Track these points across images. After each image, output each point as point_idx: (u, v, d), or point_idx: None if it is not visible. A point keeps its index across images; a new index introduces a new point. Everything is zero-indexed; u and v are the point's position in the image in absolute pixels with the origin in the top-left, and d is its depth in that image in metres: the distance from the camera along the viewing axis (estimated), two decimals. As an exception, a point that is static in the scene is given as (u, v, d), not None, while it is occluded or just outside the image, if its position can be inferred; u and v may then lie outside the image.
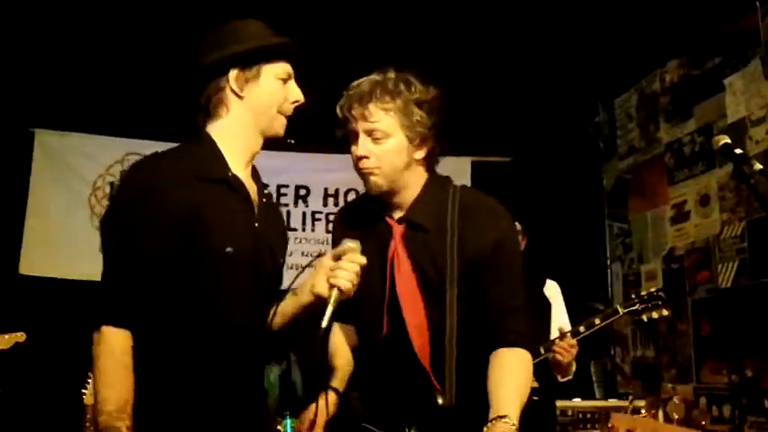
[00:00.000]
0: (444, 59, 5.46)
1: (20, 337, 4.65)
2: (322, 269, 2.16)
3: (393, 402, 2.34)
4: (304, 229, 6.49)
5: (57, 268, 5.79)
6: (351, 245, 2.16)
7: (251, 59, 2.27)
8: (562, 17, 5.08)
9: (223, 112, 2.29)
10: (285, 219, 6.00)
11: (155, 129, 5.70)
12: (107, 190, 6.12)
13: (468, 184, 6.24)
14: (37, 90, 5.65)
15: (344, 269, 2.11)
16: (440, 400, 2.22)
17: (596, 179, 6.32)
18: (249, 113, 2.29)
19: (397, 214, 2.36)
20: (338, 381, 2.44)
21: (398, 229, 2.33)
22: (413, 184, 2.34)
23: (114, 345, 2.07)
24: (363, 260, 2.15)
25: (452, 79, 5.52)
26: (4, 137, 5.74)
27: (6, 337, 4.61)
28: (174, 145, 2.34)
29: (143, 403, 2.08)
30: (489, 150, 6.46)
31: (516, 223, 4.18)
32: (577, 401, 4.78)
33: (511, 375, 2.18)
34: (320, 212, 6.53)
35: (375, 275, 2.29)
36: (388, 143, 2.25)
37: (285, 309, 2.28)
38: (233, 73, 2.26)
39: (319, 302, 2.13)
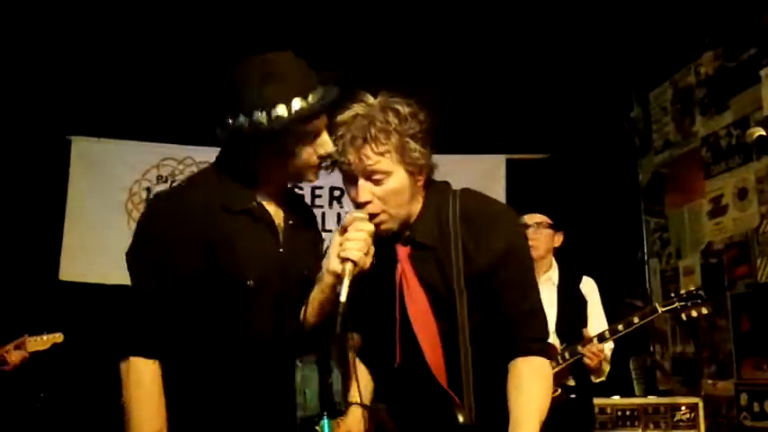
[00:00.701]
0: (479, 57, 5.47)
1: (57, 338, 4.70)
2: (332, 247, 2.12)
3: (414, 421, 2.31)
4: (339, 230, 6.49)
5: (95, 274, 5.82)
6: (356, 214, 2.14)
7: (276, 138, 2.17)
8: (595, 11, 5.05)
9: (249, 154, 2.24)
10: (320, 220, 6.06)
11: (190, 133, 5.75)
12: (144, 195, 6.16)
13: (503, 182, 6.28)
14: (73, 98, 5.72)
15: (352, 239, 2.07)
16: (460, 418, 2.18)
17: (632, 174, 6.27)
18: (273, 167, 2.25)
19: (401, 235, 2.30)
20: (364, 396, 2.38)
21: (404, 251, 2.27)
22: (415, 207, 2.29)
23: (143, 375, 2.09)
24: (371, 227, 2.11)
25: (486, 77, 5.58)
26: (41, 145, 5.81)
27: (44, 338, 4.67)
28: (208, 148, 2.34)
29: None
30: (523, 148, 6.43)
31: (545, 217, 4.20)
32: (616, 399, 4.75)
33: (528, 389, 2.14)
34: (355, 213, 6.51)
35: (385, 300, 2.25)
36: (389, 182, 2.17)
37: (312, 298, 2.23)
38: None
39: (337, 280, 2.07)
